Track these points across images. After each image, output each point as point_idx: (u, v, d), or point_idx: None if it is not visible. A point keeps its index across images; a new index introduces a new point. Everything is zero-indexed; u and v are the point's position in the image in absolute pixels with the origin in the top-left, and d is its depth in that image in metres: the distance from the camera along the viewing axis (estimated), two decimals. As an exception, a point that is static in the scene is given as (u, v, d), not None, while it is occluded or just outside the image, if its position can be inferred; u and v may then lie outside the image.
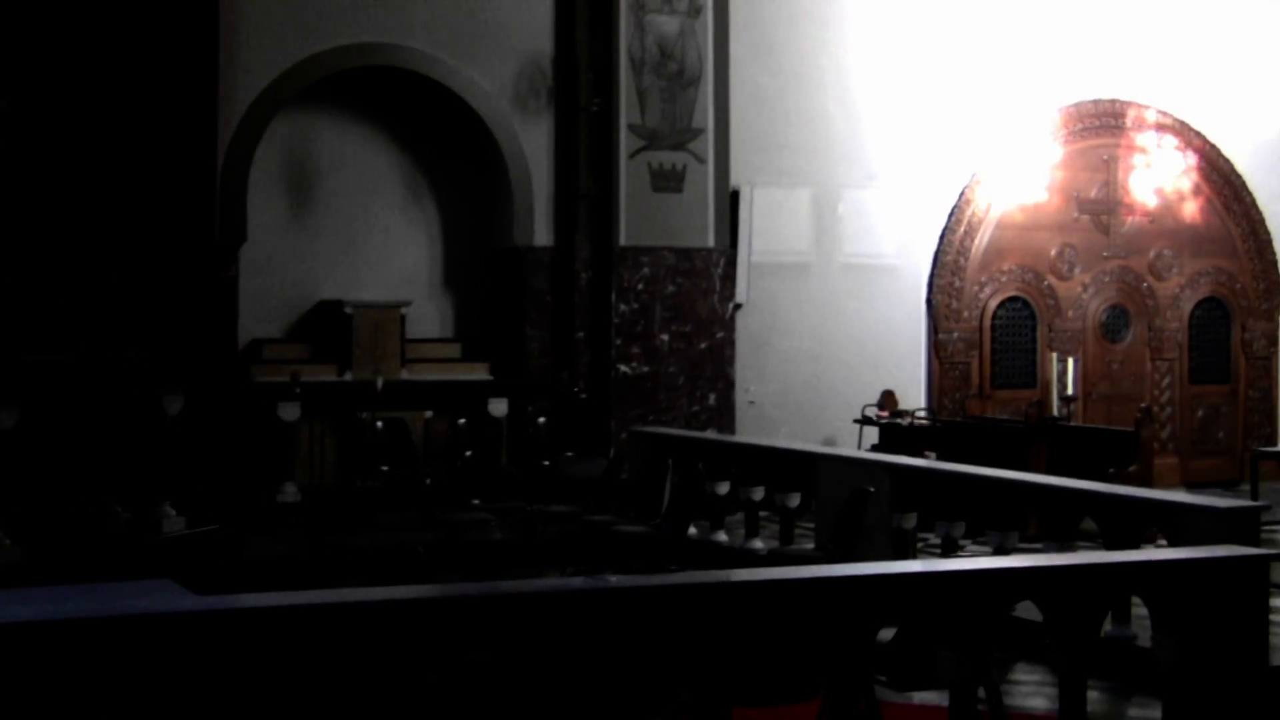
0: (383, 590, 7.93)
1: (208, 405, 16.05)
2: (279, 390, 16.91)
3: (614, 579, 7.66)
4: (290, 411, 16.88)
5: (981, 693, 7.81)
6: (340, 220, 18.64)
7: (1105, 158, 21.29)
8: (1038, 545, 12.45)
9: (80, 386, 12.52)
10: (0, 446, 11.27)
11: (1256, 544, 9.95)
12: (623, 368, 18.47)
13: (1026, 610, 8.15)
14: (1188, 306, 21.87)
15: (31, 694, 6.51)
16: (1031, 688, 10.33)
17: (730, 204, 19.10)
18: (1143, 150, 21.49)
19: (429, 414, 17.75)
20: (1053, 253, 21.04)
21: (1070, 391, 18.61)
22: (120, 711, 6.60)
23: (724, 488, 15.06)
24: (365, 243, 18.76)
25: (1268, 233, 22.26)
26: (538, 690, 7.04)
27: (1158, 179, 21.53)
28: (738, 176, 19.25)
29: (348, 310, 17.95)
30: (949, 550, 12.63)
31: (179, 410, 12.94)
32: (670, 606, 7.46)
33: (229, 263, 17.40)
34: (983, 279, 20.64)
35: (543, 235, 18.71)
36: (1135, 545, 10.89)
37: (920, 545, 13.64)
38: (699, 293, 18.84)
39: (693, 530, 14.65)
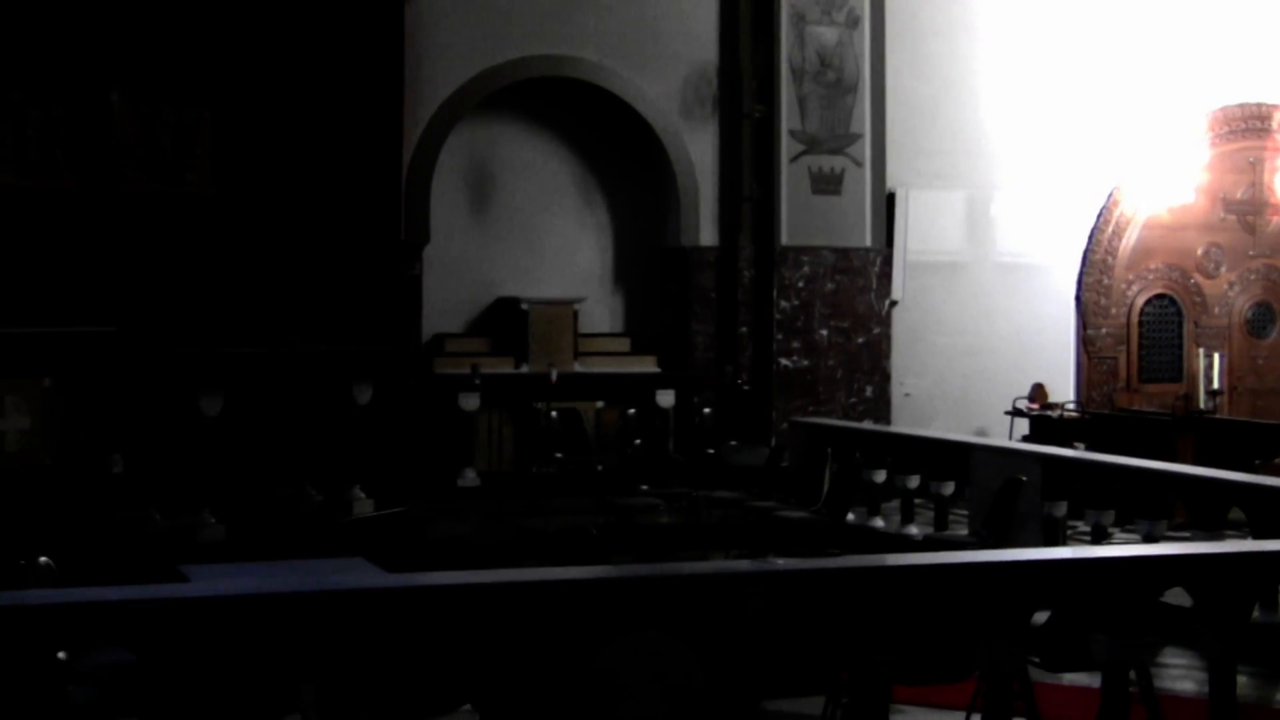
0: (560, 570, 7.99)
1: (394, 395, 16.24)
2: (460, 381, 17.02)
3: (780, 562, 7.68)
4: (470, 401, 17.00)
5: (1132, 675, 7.73)
6: (518, 222, 18.76)
7: (1251, 160, 20.93)
8: (1186, 533, 12.30)
9: (278, 377, 12.71)
10: (206, 433, 11.44)
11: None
12: (784, 361, 18.45)
13: (1175, 596, 8.06)
14: (1331, 304, 21.47)
15: (238, 662, 6.64)
16: (1180, 671, 10.20)
17: (887, 205, 19.02)
18: (1290, 152, 21.12)
19: (600, 404, 17.81)
20: (1199, 252, 20.72)
21: (1216, 385, 18.31)
22: (318, 680, 6.71)
23: (881, 476, 15.03)
24: (541, 243, 18.86)
25: None
26: (704, 666, 7.06)
27: (1304, 181, 21.17)
28: (894, 179, 19.15)
29: (524, 306, 18.08)
30: (1099, 538, 12.52)
31: (368, 400, 13.09)
32: (832, 588, 7.46)
33: (414, 262, 17.63)
34: (1130, 277, 20.38)
35: (708, 235, 18.74)
36: (1282, 534, 10.72)
37: (1070, 533, 13.50)
38: (857, 290, 18.79)
39: (851, 516, 14.62)
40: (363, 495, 12.98)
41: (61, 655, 6.93)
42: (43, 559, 7.96)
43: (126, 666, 6.95)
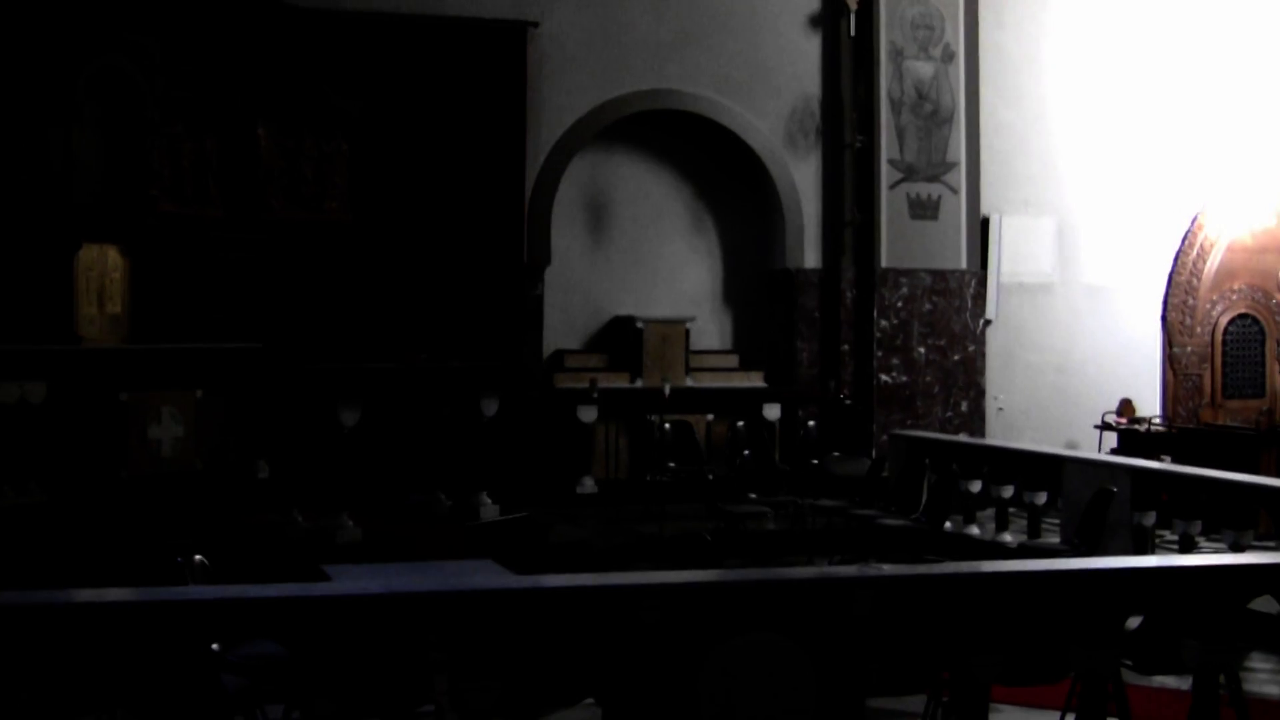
0: (676, 573, 8.00)
1: (518, 408, 16.30)
2: (579, 395, 17.11)
3: (885, 567, 7.65)
4: (588, 414, 17.06)
5: (1221, 678, 7.63)
6: (633, 245, 18.81)
7: (1331, 185, 20.64)
8: (1270, 543, 12.14)
9: (412, 391, 12.79)
10: (344, 442, 11.53)
11: None
12: (884, 377, 18.40)
13: (1261, 604, 7.96)
14: None
15: (376, 655, 6.69)
16: (1267, 675, 10.06)
17: (981, 230, 18.92)
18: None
19: (710, 417, 17.80)
20: (1281, 273, 20.47)
21: (1297, 401, 18.10)
22: (451, 672, 6.75)
23: (976, 486, 14.93)
24: (654, 265, 18.89)
25: None
26: (813, 665, 7.04)
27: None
28: (987, 205, 19.06)
29: (639, 325, 18.13)
30: (1186, 547, 12.36)
31: (494, 412, 13.14)
32: (933, 593, 7.43)
33: (536, 283, 17.74)
34: (1214, 298, 20.14)
35: (812, 258, 18.71)
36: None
37: (1158, 542, 13.34)
38: (952, 310, 18.70)
39: (948, 524, 14.51)
40: (489, 501, 13.02)
41: (215, 646, 7.01)
42: (197, 557, 8.05)
43: (274, 657, 7.02)
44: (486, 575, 8.23)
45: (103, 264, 13.91)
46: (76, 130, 13.71)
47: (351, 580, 7.61)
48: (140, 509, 12.81)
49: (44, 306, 13.33)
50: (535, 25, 17.64)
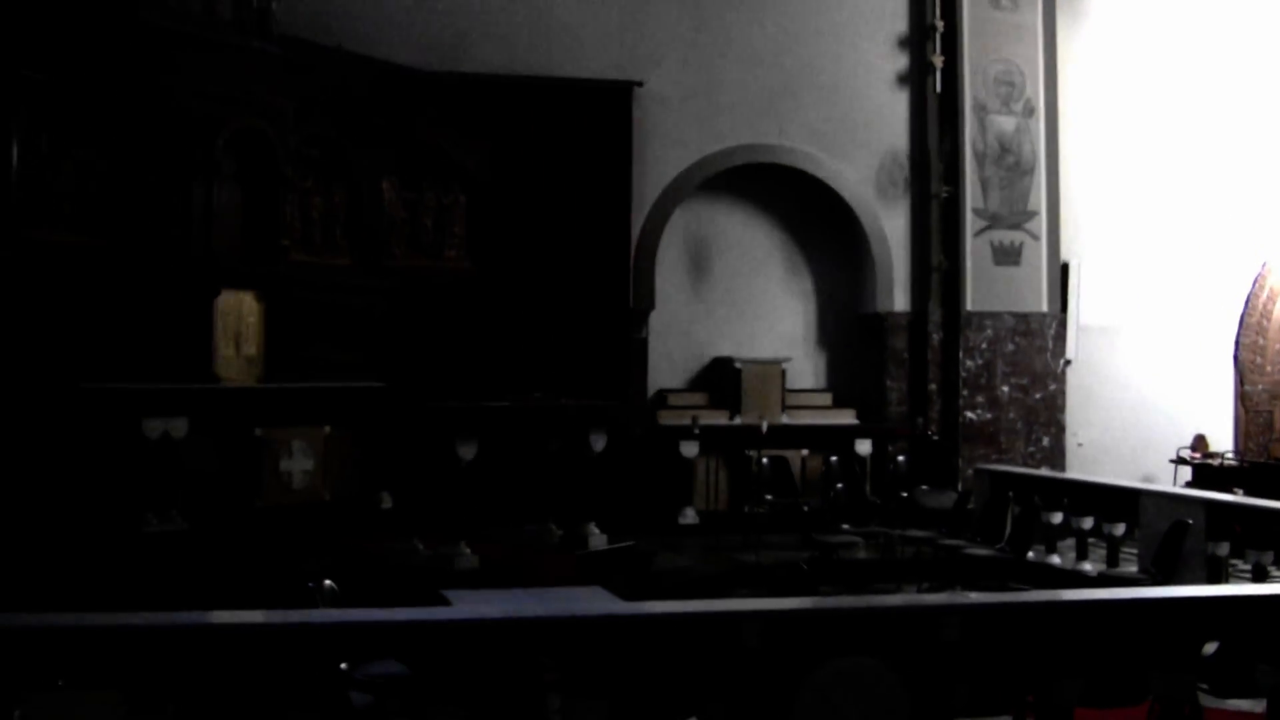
0: (775, 600, 7.98)
1: (624, 443, 16.35)
2: (681, 431, 17.16)
3: (973, 595, 7.60)
4: (690, 449, 17.10)
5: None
6: (732, 290, 18.84)
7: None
8: (1341, 573, 11.95)
9: (525, 426, 12.83)
10: (462, 474, 11.58)
11: None
12: (969, 414, 18.30)
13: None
14: None
15: (494, 675, 6.71)
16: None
17: (1061, 274, 18.79)
18: None
19: (805, 452, 17.74)
20: (1349, 315, 20.15)
21: (1365, 438, 17.80)
22: (564, 692, 6.77)
23: (1058, 517, 14.76)
24: (752, 309, 18.90)
25: None
26: (907, 687, 7.00)
27: None
28: (1067, 251, 18.93)
29: (737, 365, 18.14)
30: (1260, 576, 12.18)
31: (602, 447, 13.15)
32: (1019, 620, 7.37)
33: (641, 326, 17.81)
34: (1283, 338, 19.91)
35: (901, 302, 18.65)
36: None
37: (1232, 571, 13.15)
38: (1034, 350, 18.57)
39: (1031, 554, 14.36)
40: (597, 531, 13.02)
41: (343, 666, 7.06)
42: (327, 583, 8.12)
43: (398, 676, 7.05)
44: (596, 601, 8.23)
45: (239, 309, 14.08)
46: (216, 185, 13.89)
47: (471, 605, 7.64)
48: (273, 537, 12.93)
49: (185, 348, 13.50)
50: (640, 84, 17.73)
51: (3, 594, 9.73)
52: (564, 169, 17.18)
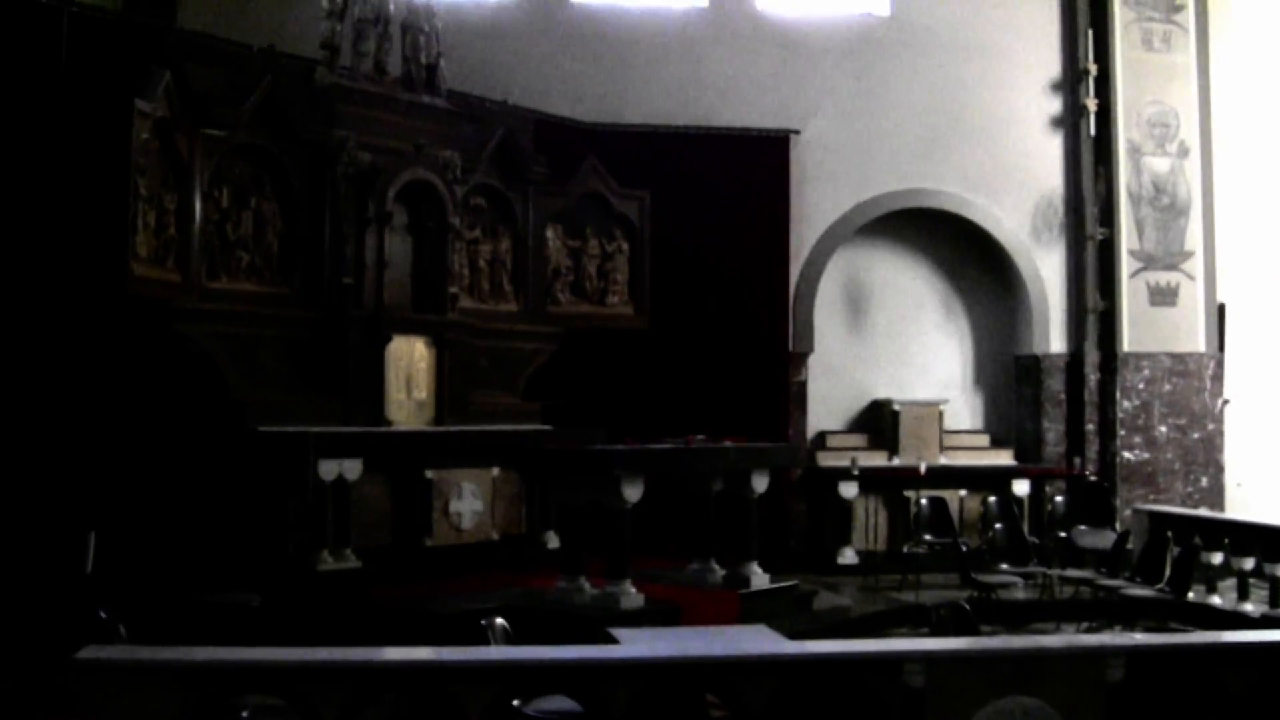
0: (940, 640, 7.90)
1: (785, 484, 16.31)
2: (840, 472, 17.15)
3: (1137, 636, 7.46)
4: (849, 489, 17.07)
5: None
6: (889, 333, 18.79)
7: None
8: None
9: (688, 468, 12.84)
10: (627, 515, 11.60)
11: None
12: (1126, 454, 18.02)
13: None
14: None
15: (662, 712, 6.70)
16: None
17: (1218, 315, 18.44)
18: None
19: (963, 492, 17.58)
20: None
21: None
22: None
23: (1218, 557, 14.45)
24: (909, 351, 18.85)
25: None
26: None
27: None
28: (1224, 290, 18.57)
29: (896, 407, 18.08)
30: None
31: (764, 488, 13.12)
32: (1184, 660, 7.22)
33: (801, 370, 17.80)
34: None
35: (1057, 343, 18.44)
36: None
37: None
38: (1192, 391, 18.24)
39: (1191, 594, 14.07)
40: (759, 570, 12.97)
41: (515, 702, 7.09)
42: (499, 621, 8.16)
43: (569, 714, 7.07)
44: (762, 640, 8.17)
45: (411, 354, 14.26)
46: (388, 234, 14.11)
47: (639, 644, 7.63)
48: (443, 576, 13.06)
49: (359, 393, 13.71)
50: (797, 133, 17.77)
51: (187, 630, 9.91)
52: (723, 216, 17.27)
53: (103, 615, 7.65)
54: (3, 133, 11.81)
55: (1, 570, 11.13)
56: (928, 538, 16.34)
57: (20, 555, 11.27)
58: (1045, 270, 18.51)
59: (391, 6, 14.47)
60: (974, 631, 8.39)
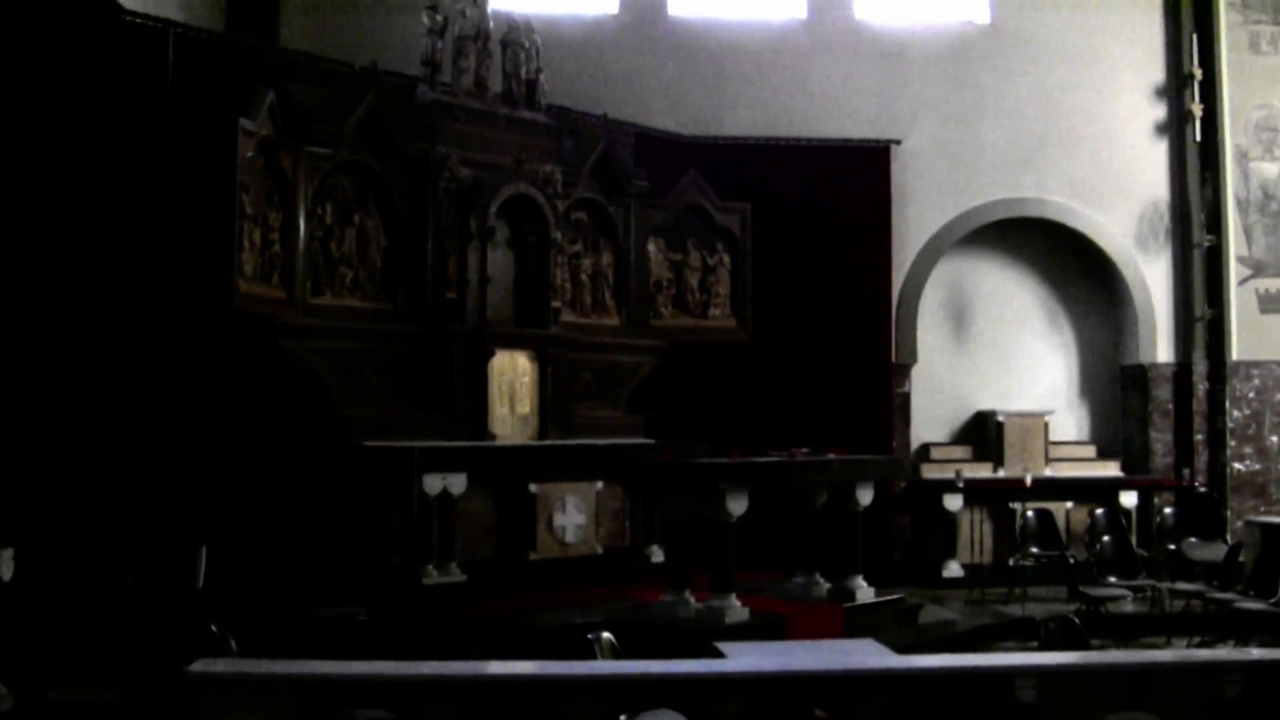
0: (1050, 655, 7.80)
1: (889, 496, 16.20)
2: (945, 484, 17.06)
3: (1255, 651, 7.31)
4: (954, 502, 16.96)
5: None
6: (993, 343, 18.63)
7: None
8: None
9: (792, 480, 12.77)
10: (731, 528, 11.54)
11: None
12: (1237, 465, 17.73)
13: None
14: None
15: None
16: None
17: (1332, 321, 18.15)
18: None
19: (1070, 504, 17.39)
20: None
21: None
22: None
23: (1334, 570, 14.17)
24: (1014, 362, 18.67)
25: None
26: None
27: None
28: (1337, 298, 18.29)
29: (1000, 419, 17.94)
30: None
31: (869, 500, 13.03)
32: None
33: (904, 381, 17.70)
34: None
35: (1164, 353, 18.21)
36: None
37: None
38: (1305, 400, 17.96)
39: (1307, 607, 13.81)
40: (864, 583, 12.87)
41: (623, 717, 7.07)
42: (605, 635, 8.15)
43: (677, 727, 7.03)
44: (870, 654, 8.09)
45: (514, 369, 14.31)
46: (490, 249, 14.18)
47: (746, 657, 7.58)
48: (548, 589, 13.08)
49: (463, 407, 13.77)
50: (898, 143, 17.70)
51: (295, 643, 9.99)
52: (825, 227, 17.22)
53: (214, 629, 7.72)
54: (112, 153, 11.98)
55: (117, 585, 11.28)
56: (1034, 550, 16.19)
57: (135, 570, 11.42)
58: (1151, 279, 18.27)
59: (491, 23, 14.57)
60: (1083, 646, 8.25)
